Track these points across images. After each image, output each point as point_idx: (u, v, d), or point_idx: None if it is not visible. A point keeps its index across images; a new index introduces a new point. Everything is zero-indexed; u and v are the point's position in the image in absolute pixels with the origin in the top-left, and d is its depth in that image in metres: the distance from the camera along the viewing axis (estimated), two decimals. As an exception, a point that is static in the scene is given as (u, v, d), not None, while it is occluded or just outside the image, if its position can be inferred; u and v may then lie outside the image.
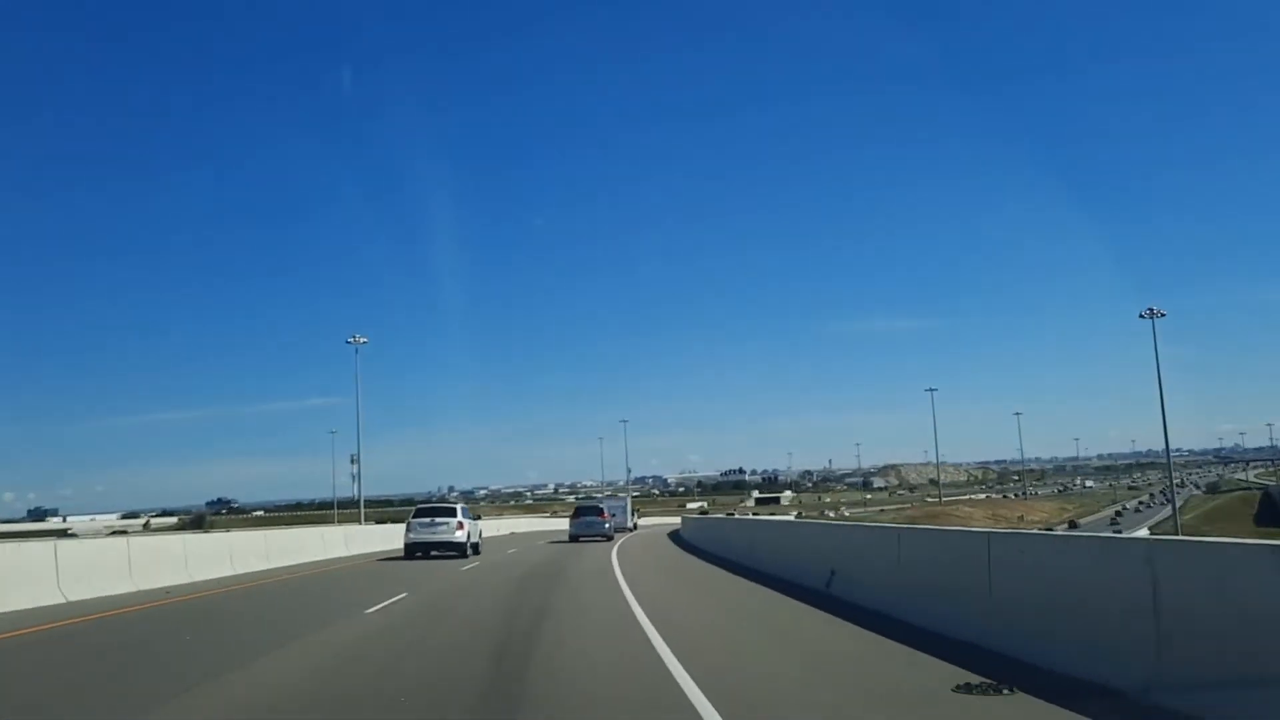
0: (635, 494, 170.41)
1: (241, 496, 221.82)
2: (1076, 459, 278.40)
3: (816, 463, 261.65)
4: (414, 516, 29.17)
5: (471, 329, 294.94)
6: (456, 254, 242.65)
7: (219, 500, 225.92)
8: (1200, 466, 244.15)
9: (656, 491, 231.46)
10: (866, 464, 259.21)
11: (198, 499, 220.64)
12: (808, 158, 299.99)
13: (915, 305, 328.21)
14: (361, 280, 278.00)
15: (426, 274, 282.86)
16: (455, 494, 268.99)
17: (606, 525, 41.24)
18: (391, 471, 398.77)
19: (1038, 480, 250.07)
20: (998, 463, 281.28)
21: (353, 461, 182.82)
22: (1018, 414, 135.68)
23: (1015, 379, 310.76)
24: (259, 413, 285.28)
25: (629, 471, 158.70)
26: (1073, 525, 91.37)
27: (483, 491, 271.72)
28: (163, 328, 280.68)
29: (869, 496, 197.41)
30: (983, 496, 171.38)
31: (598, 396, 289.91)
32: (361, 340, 58.13)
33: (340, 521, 70.83)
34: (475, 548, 29.52)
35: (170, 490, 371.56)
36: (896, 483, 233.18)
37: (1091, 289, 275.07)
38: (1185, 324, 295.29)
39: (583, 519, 41.43)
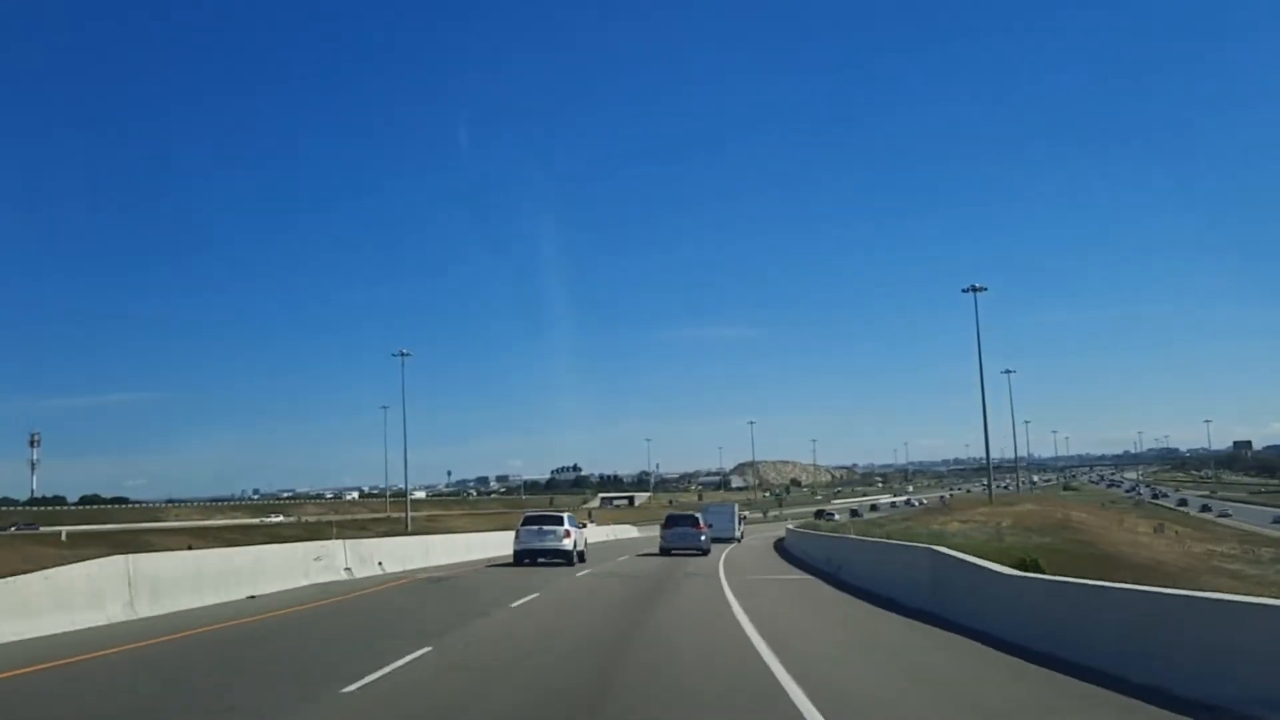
0: (449, 495, 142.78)
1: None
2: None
3: (638, 466, 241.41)
4: (522, 525, 29.80)
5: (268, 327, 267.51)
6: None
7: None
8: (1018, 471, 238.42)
9: (474, 493, 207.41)
10: (694, 467, 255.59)
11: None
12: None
13: (739, 315, 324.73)
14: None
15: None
16: (256, 496, 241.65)
17: (702, 537, 36.54)
18: (196, 473, 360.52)
19: (907, 481, 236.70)
20: (860, 466, 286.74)
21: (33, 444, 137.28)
22: (1008, 371, 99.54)
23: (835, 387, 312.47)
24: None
25: (409, 467, 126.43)
26: None
27: (287, 494, 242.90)
28: None
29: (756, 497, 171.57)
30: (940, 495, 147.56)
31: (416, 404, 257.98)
32: None
33: None
34: (581, 555, 29.96)
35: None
36: (756, 482, 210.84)
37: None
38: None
39: (676, 529, 37.33)
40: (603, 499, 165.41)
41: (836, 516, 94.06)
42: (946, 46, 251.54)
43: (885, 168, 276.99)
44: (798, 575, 24.62)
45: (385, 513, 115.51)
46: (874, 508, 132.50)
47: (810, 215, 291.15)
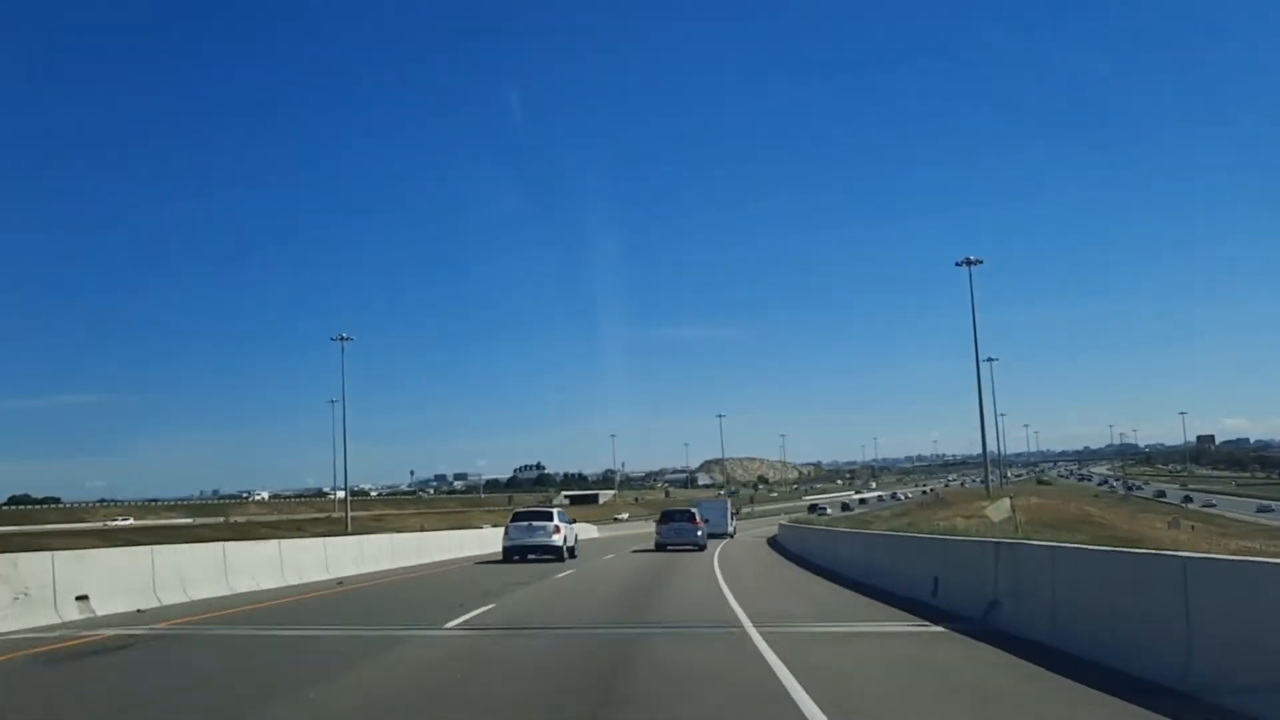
0: (405, 494, 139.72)
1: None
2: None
3: (603, 464, 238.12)
4: (511, 521, 29.67)
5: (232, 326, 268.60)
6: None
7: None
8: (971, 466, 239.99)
9: (431, 491, 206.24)
10: (659, 465, 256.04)
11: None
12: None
13: (708, 314, 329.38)
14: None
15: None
16: (211, 496, 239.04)
17: (699, 533, 36.10)
18: (163, 474, 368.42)
19: (874, 477, 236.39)
20: (826, 463, 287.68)
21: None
22: (990, 359, 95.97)
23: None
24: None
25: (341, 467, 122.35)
26: None
27: (245, 494, 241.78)
28: None
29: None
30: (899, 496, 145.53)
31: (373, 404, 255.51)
32: None
33: None
34: (571, 551, 29.63)
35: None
36: (724, 480, 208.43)
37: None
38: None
39: (672, 524, 36.64)
40: (567, 497, 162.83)
41: (829, 511, 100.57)
42: (943, 56, 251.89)
43: (866, 168, 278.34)
44: (913, 625, 11.54)
45: (329, 513, 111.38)
46: (863, 501, 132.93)
47: (789, 217, 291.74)
